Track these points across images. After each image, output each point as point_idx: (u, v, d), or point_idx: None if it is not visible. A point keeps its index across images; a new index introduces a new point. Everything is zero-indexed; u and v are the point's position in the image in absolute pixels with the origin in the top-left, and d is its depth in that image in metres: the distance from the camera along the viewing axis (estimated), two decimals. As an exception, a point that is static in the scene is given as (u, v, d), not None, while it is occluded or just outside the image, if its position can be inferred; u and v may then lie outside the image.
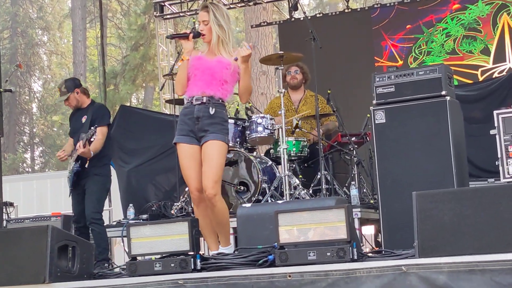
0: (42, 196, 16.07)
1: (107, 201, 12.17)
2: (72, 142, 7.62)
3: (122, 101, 21.80)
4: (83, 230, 7.32)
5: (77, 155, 7.20)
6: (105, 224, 7.49)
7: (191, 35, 5.57)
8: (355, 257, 4.45)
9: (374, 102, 6.12)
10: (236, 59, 5.52)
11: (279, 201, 6.40)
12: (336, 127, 8.48)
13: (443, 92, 5.87)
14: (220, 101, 5.56)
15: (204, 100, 5.51)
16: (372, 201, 7.46)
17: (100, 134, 7.24)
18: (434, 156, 5.81)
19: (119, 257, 9.50)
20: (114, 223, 8.52)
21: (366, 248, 7.97)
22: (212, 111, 5.49)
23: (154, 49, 20.18)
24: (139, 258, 5.11)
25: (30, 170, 32.06)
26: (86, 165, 7.19)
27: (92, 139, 7.11)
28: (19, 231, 5.51)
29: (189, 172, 5.55)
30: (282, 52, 7.75)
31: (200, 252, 4.96)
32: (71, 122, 7.71)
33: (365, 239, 7.97)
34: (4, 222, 9.16)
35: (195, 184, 5.51)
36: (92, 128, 7.12)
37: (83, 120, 7.44)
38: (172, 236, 4.93)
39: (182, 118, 5.64)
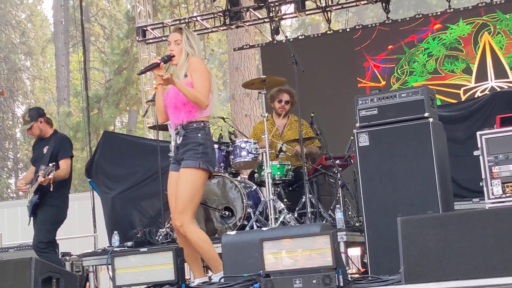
0: (27, 223, 15.97)
1: (91, 227, 12.19)
2: (33, 170, 7.64)
3: (105, 125, 21.75)
4: (46, 250, 7.34)
5: (36, 186, 7.22)
6: (90, 251, 7.48)
7: (162, 63, 5.58)
8: (341, 284, 4.43)
9: (358, 125, 6.12)
10: (185, 75, 5.57)
11: (264, 228, 6.38)
12: (318, 152, 8.47)
13: (426, 114, 5.87)
14: (194, 124, 5.56)
15: (178, 129, 5.60)
16: (357, 224, 7.44)
17: (64, 165, 7.35)
18: (419, 178, 5.80)
19: (105, 285, 9.43)
20: (99, 250, 8.45)
21: (353, 269, 7.97)
22: (179, 140, 5.57)
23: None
24: (124, 288, 5.07)
25: (14, 195, 31.86)
26: (51, 188, 7.22)
27: (49, 176, 7.12)
28: (2, 263, 5.47)
29: (171, 201, 5.61)
30: (265, 76, 7.75)
31: (186, 280, 4.93)
32: (33, 150, 7.81)
33: (351, 261, 7.96)
34: (-12, 251, 9.14)
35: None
36: (50, 165, 7.15)
37: (45, 150, 7.51)
38: (157, 266, 4.91)
39: (171, 146, 5.69)
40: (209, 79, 5.58)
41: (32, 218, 7.55)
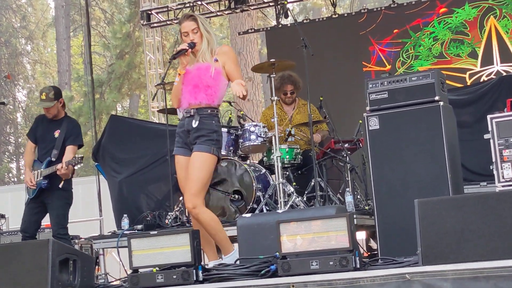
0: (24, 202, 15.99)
1: (96, 210, 12.22)
2: (32, 148, 7.55)
3: (108, 109, 21.75)
4: (30, 239, 7.32)
5: (50, 173, 7.19)
6: (98, 234, 7.49)
7: (189, 50, 5.62)
8: (358, 266, 4.47)
9: (368, 108, 6.13)
10: (216, 60, 5.60)
11: (279, 211, 6.41)
12: (326, 136, 8.50)
13: (437, 98, 5.89)
14: (209, 110, 5.59)
15: (192, 113, 5.59)
16: (366, 207, 7.48)
17: (71, 153, 7.28)
18: (429, 161, 5.82)
19: (112, 268, 9.47)
20: (109, 233, 8.49)
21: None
22: (195, 124, 5.55)
23: (140, 57, 20.19)
24: (140, 270, 5.10)
25: (15, 180, 31.92)
26: (61, 185, 7.20)
27: (76, 167, 7.14)
28: (19, 245, 5.51)
29: (182, 184, 5.63)
30: (274, 60, 7.76)
31: (202, 263, 4.96)
32: (38, 128, 7.61)
33: (358, 244, 8.00)
34: (-4, 235, 9.17)
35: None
36: (77, 156, 7.14)
37: (56, 134, 7.39)
38: (173, 248, 4.93)
39: (178, 131, 5.72)
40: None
41: (32, 199, 7.46)
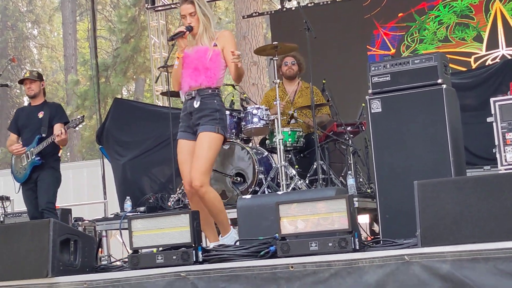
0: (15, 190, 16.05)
1: (101, 193, 12.27)
2: (15, 138, 7.71)
3: (113, 93, 21.74)
4: None
5: (39, 149, 7.29)
6: (102, 217, 7.56)
7: (187, 32, 5.63)
8: (357, 247, 4.48)
9: (370, 91, 6.10)
10: (215, 45, 5.60)
11: (279, 192, 6.41)
12: (328, 120, 8.49)
13: (439, 81, 5.85)
14: (209, 90, 5.59)
15: (193, 95, 5.59)
16: (368, 191, 7.48)
17: (59, 129, 7.37)
18: (431, 145, 5.80)
19: (116, 250, 9.51)
20: (112, 215, 8.52)
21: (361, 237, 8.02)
22: (196, 104, 5.55)
23: (145, 41, 20.15)
24: (140, 251, 5.13)
25: (21, 163, 31.95)
26: (60, 154, 7.35)
27: (77, 128, 7.27)
28: (20, 225, 5.53)
29: (183, 167, 5.63)
30: (277, 43, 7.75)
31: (202, 244, 4.98)
32: (20, 117, 7.82)
33: (361, 228, 8.00)
34: (1, 217, 9.22)
35: (188, 179, 5.53)
36: (79, 117, 7.29)
37: (40, 115, 7.59)
38: (173, 229, 4.96)
39: (181, 115, 5.74)
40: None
41: (23, 185, 7.58)
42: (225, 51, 5.60)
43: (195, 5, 5.63)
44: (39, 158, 7.42)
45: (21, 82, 7.86)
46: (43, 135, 7.45)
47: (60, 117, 7.57)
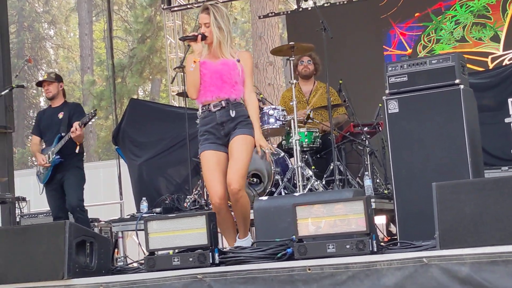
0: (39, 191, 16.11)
1: (117, 194, 12.28)
2: (37, 141, 7.73)
3: (129, 93, 21.81)
4: None
5: (59, 148, 7.31)
6: (118, 218, 7.56)
7: (199, 37, 5.56)
8: (375, 249, 4.44)
9: (387, 91, 6.07)
10: (238, 61, 5.57)
11: (296, 194, 6.38)
12: (345, 120, 8.45)
13: (457, 81, 5.81)
14: (237, 101, 5.59)
15: (224, 105, 5.51)
16: (385, 191, 7.44)
17: (76, 125, 7.40)
18: (449, 145, 5.76)
19: (132, 251, 9.51)
20: (128, 216, 8.52)
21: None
22: (233, 113, 5.49)
23: (161, 41, 20.19)
24: (156, 252, 5.11)
25: (38, 163, 32.09)
26: (77, 150, 7.34)
27: (90, 122, 7.29)
28: (36, 227, 5.54)
29: (210, 178, 5.47)
30: (293, 43, 7.71)
31: (218, 246, 4.96)
32: (41, 119, 7.84)
33: (378, 228, 7.96)
34: (18, 217, 9.24)
35: (218, 192, 5.40)
36: (91, 111, 7.31)
37: (60, 116, 7.61)
38: (190, 230, 4.94)
39: (204, 129, 5.58)
40: None
41: (47, 185, 7.59)
42: (244, 70, 5.61)
43: (210, 16, 5.55)
44: (58, 157, 7.44)
45: (39, 84, 7.86)
46: (62, 134, 7.47)
47: (78, 116, 7.56)
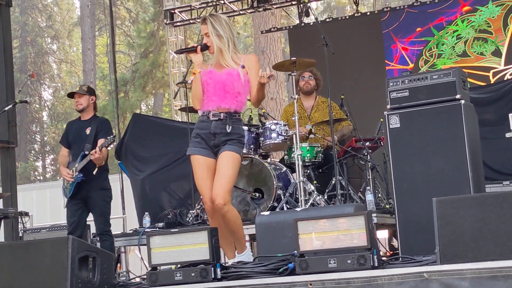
0: (56, 205, 16.11)
1: (120, 208, 12.30)
2: (66, 152, 7.68)
3: (132, 108, 21.87)
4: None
5: (84, 164, 7.27)
6: (120, 232, 7.54)
7: (199, 48, 5.61)
8: (376, 264, 4.45)
9: (388, 106, 6.09)
10: (243, 67, 5.56)
11: (298, 209, 6.41)
12: (351, 131, 8.47)
13: (458, 96, 5.83)
14: (237, 115, 5.60)
15: (222, 117, 5.54)
16: (387, 206, 7.46)
17: (104, 149, 7.35)
18: (450, 160, 5.78)
19: (134, 266, 9.53)
20: (131, 231, 8.53)
21: (380, 252, 7.98)
22: (229, 129, 5.52)
23: (164, 56, 20.26)
24: (159, 268, 5.13)
25: (41, 178, 32.16)
26: (94, 172, 7.27)
27: (109, 147, 7.23)
28: (39, 242, 5.53)
29: (202, 183, 5.56)
30: (295, 58, 7.75)
31: (220, 261, 4.98)
32: (70, 131, 7.74)
33: (380, 243, 7.98)
34: (20, 232, 9.25)
35: (209, 195, 5.50)
36: (110, 136, 7.23)
37: (88, 131, 7.51)
38: (192, 246, 4.95)
39: (198, 132, 5.62)
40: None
41: (70, 200, 7.53)
42: (250, 74, 5.58)
43: (208, 26, 5.60)
44: (81, 175, 7.35)
45: (71, 95, 7.79)
46: (86, 152, 7.37)
47: (104, 133, 7.45)
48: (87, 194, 7.38)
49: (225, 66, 5.58)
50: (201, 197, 8.00)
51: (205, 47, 5.62)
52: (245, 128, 7.69)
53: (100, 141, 7.33)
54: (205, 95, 5.60)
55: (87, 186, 7.37)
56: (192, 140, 5.65)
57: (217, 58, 5.62)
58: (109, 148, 7.29)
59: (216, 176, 5.48)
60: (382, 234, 8.26)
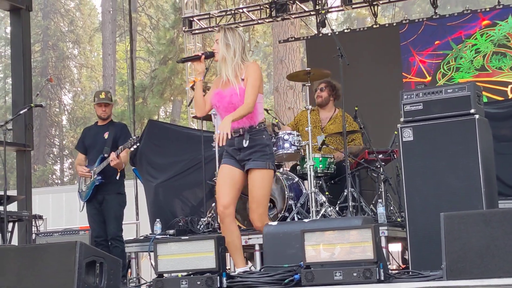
0: (71, 208, 16.18)
1: (134, 214, 12.32)
2: (82, 158, 7.72)
3: (150, 114, 21.93)
4: (105, 244, 7.40)
5: (104, 166, 7.30)
6: (132, 238, 7.55)
7: (203, 56, 5.72)
8: (382, 278, 4.43)
9: (402, 119, 6.07)
10: (242, 79, 5.62)
11: (305, 220, 6.39)
12: (359, 150, 8.40)
13: (472, 110, 5.80)
14: (256, 127, 5.66)
15: (241, 132, 5.63)
16: (399, 219, 7.40)
17: (125, 152, 7.37)
18: (463, 175, 5.74)
19: (146, 271, 9.53)
20: (142, 237, 8.53)
21: (393, 265, 7.93)
22: (245, 143, 5.60)
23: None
24: (165, 275, 5.12)
25: (59, 182, 32.30)
26: (117, 177, 7.31)
27: (132, 148, 7.27)
28: (47, 246, 5.55)
29: (219, 188, 5.67)
30: (309, 69, 7.72)
31: (227, 270, 4.97)
32: (86, 136, 7.82)
33: (392, 256, 7.92)
34: (34, 235, 9.28)
35: (222, 201, 5.59)
36: (133, 137, 7.25)
37: (106, 136, 7.56)
38: (198, 254, 4.95)
39: (226, 148, 5.76)
40: (259, 86, 5.67)
41: (88, 204, 7.56)
42: (245, 83, 5.61)
43: (220, 33, 5.70)
44: (100, 177, 7.41)
45: (100, 104, 7.76)
46: (105, 155, 7.44)
47: (124, 138, 7.54)
48: (103, 198, 7.45)
49: (229, 81, 5.63)
50: (213, 204, 8.12)
51: (210, 54, 5.73)
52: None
53: (122, 154, 7.37)
54: (219, 116, 5.83)
55: (104, 189, 7.45)
56: (224, 153, 5.82)
57: (220, 67, 5.69)
58: (132, 149, 7.35)
59: (250, 198, 5.68)
60: (395, 247, 8.21)
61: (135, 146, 7.37)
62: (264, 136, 5.68)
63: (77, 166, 7.78)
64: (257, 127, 5.65)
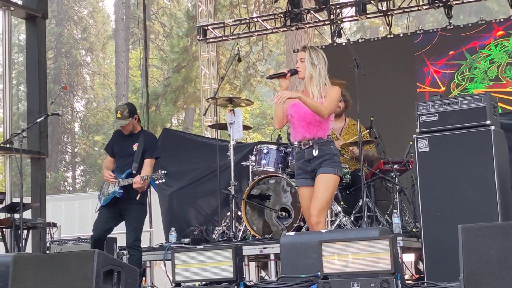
0: (84, 216, 16.23)
1: (147, 222, 12.33)
2: (111, 161, 7.66)
3: (163, 122, 21.96)
4: (99, 244, 7.34)
5: (127, 184, 7.26)
6: (147, 246, 7.53)
7: (289, 74, 6.10)
8: (399, 289, 4.44)
9: (418, 130, 6.10)
10: (324, 97, 6.01)
11: (323, 230, 6.40)
12: (375, 154, 8.41)
13: (488, 122, 5.82)
14: (325, 138, 6.05)
15: (311, 143, 6.04)
16: (414, 230, 7.41)
17: (149, 166, 7.36)
18: (478, 186, 5.75)
19: (160, 280, 9.54)
20: (157, 245, 8.55)
21: (406, 275, 7.92)
22: (315, 153, 5.99)
23: (196, 71, 20.35)
24: (182, 284, 5.15)
25: (71, 189, 32.38)
26: (137, 198, 7.29)
27: (157, 182, 7.27)
28: (65, 255, 5.57)
29: (306, 211, 6.15)
30: (325, 79, 7.72)
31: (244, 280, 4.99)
32: (116, 142, 7.70)
33: (406, 266, 7.92)
34: (48, 243, 9.32)
35: (313, 218, 6.00)
36: (161, 172, 7.19)
37: (134, 147, 7.45)
38: (216, 263, 4.98)
39: (297, 164, 6.22)
40: (336, 105, 6.29)
41: (103, 207, 7.52)
42: (324, 99, 6.02)
43: (305, 53, 6.13)
44: (121, 191, 7.34)
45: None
46: (133, 171, 7.36)
47: (151, 152, 7.49)
48: (125, 207, 7.39)
49: (310, 94, 6.03)
50: (227, 213, 8.16)
51: (294, 72, 6.15)
52: (273, 147, 7.77)
53: (146, 168, 7.34)
54: (292, 127, 6.21)
55: (125, 201, 7.39)
56: (296, 172, 6.25)
57: (306, 84, 6.11)
58: (157, 182, 7.39)
59: (313, 196, 5.99)
60: (409, 258, 8.19)
61: (160, 181, 7.34)
62: (332, 147, 6.07)
63: (104, 169, 7.71)
64: (325, 138, 6.00)
